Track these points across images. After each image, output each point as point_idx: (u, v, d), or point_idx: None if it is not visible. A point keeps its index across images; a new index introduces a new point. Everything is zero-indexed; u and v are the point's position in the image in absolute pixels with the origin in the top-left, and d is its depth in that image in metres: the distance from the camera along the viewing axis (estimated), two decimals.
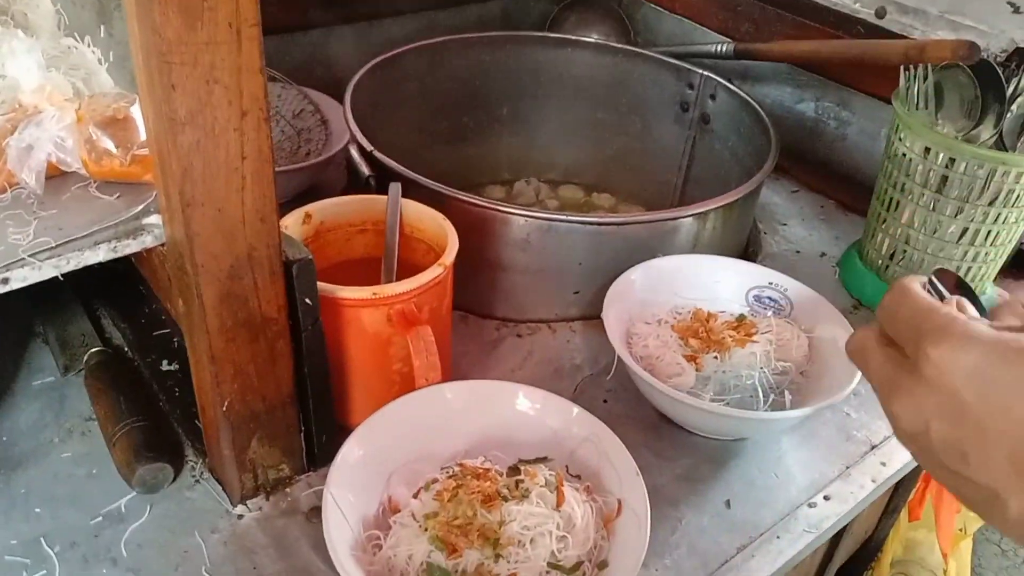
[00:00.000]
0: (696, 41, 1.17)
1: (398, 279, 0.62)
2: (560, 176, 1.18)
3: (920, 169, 0.79)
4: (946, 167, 0.77)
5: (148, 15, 0.40)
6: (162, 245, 0.51)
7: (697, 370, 0.68)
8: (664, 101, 1.07)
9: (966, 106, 0.80)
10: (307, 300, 0.55)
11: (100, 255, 0.48)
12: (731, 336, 0.68)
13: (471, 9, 1.20)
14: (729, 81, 1.00)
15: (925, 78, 0.80)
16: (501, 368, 0.75)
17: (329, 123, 0.99)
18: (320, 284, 0.56)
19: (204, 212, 0.47)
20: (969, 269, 0.82)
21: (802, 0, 0.99)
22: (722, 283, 0.77)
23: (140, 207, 0.51)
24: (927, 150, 0.78)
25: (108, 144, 0.49)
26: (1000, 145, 0.79)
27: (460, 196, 0.74)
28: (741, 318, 0.72)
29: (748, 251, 0.94)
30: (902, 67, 0.80)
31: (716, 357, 0.68)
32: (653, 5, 1.20)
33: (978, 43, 0.77)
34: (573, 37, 1.13)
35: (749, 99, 0.96)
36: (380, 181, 0.78)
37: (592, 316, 0.80)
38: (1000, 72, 0.78)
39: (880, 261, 0.86)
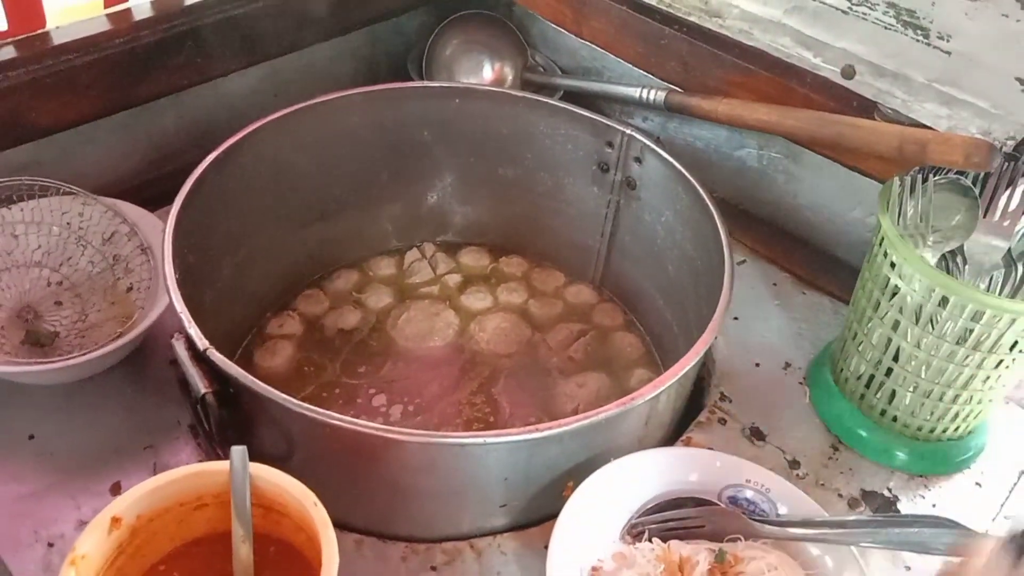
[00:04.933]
0: (613, 76, 0.96)
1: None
2: (459, 237, 0.98)
3: (908, 300, 0.63)
4: (940, 304, 0.61)
5: None
6: None
7: None
8: (578, 159, 0.87)
9: (962, 211, 0.64)
10: None
11: None
12: None
13: (320, 50, 0.95)
14: (658, 141, 0.81)
15: (923, 190, 0.63)
16: None
17: (151, 250, 0.75)
18: None
19: None
20: (957, 414, 0.67)
21: (745, 44, 0.79)
22: (689, 481, 0.60)
23: None
24: (918, 280, 0.62)
25: None
26: (1009, 261, 0.64)
27: (335, 421, 0.54)
28: (721, 557, 0.55)
29: (699, 378, 0.77)
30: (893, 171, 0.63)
31: None
32: (554, 25, 0.97)
33: (986, 139, 0.60)
34: (460, 85, 0.91)
35: (688, 175, 0.76)
36: (225, 401, 0.56)
37: (526, 524, 0.62)
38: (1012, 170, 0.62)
39: (856, 390, 0.71)
